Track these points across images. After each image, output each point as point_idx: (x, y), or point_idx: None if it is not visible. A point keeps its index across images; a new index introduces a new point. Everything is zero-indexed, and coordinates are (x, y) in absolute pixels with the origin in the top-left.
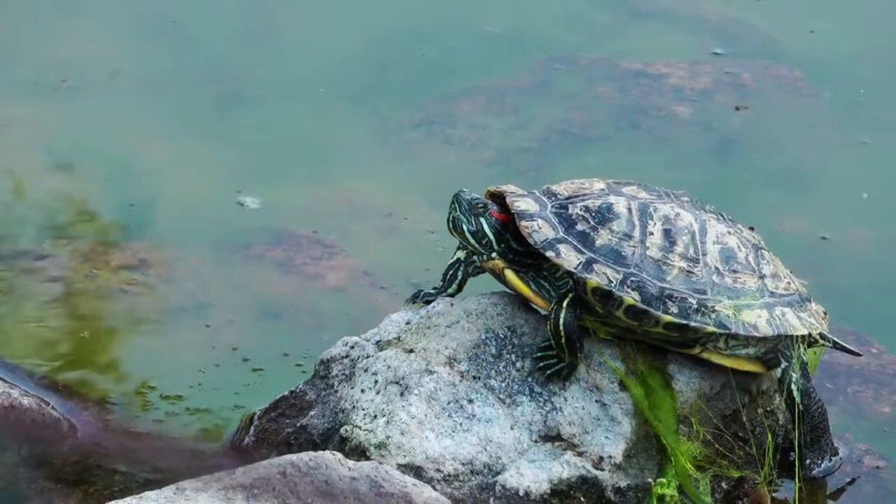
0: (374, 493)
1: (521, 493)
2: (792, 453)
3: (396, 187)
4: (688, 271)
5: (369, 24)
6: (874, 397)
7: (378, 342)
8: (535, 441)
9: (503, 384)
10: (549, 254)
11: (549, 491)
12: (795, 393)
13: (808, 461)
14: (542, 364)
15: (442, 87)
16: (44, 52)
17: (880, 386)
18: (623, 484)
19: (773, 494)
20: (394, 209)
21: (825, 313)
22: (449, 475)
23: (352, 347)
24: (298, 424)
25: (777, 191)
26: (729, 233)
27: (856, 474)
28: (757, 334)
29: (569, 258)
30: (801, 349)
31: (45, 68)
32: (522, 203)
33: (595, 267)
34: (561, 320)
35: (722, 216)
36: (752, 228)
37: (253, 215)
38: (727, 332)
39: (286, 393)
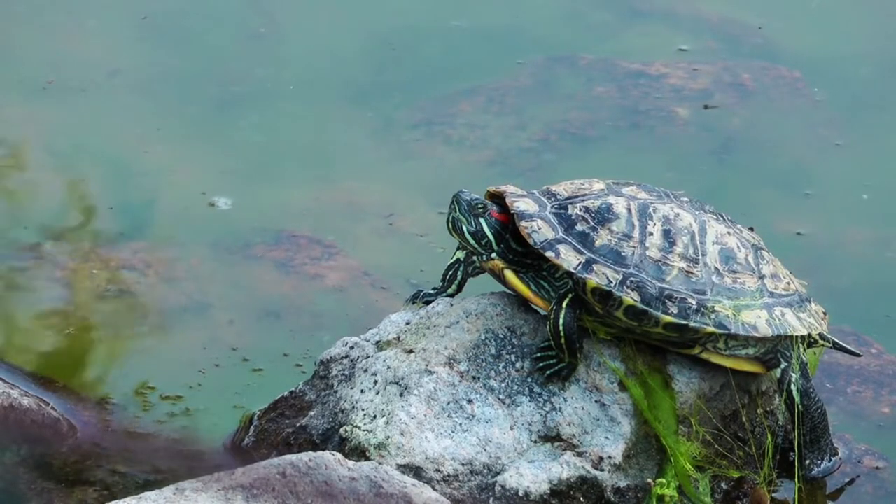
0: (373, 493)
1: (521, 493)
2: (792, 453)
3: (396, 187)
4: (687, 271)
5: (369, 25)
6: (874, 397)
7: (378, 342)
8: (535, 441)
9: (503, 384)
10: (549, 254)
11: (548, 491)
12: (795, 393)
13: (807, 461)
14: (541, 364)
15: (441, 87)
16: (42, 52)
17: (880, 386)
18: (622, 484)
19: (773, 495)
20: (394, 209)
21: (825, 314)
22: (448, 475)
23: (351, 348)
24: (298, 425)
25: (776, 191)
26: (728, 233)
27: (855, 474)
28: (756, 335)
29: (568, 258)
30: (801, 349)
31: (43, 68)
32: (522, 203)
33: (594, 267)
34: (560, 320)
35: (722, 216)
36: (751, 229)
37: (252, 215)
38: (727, 332)
39: (286, 393)
